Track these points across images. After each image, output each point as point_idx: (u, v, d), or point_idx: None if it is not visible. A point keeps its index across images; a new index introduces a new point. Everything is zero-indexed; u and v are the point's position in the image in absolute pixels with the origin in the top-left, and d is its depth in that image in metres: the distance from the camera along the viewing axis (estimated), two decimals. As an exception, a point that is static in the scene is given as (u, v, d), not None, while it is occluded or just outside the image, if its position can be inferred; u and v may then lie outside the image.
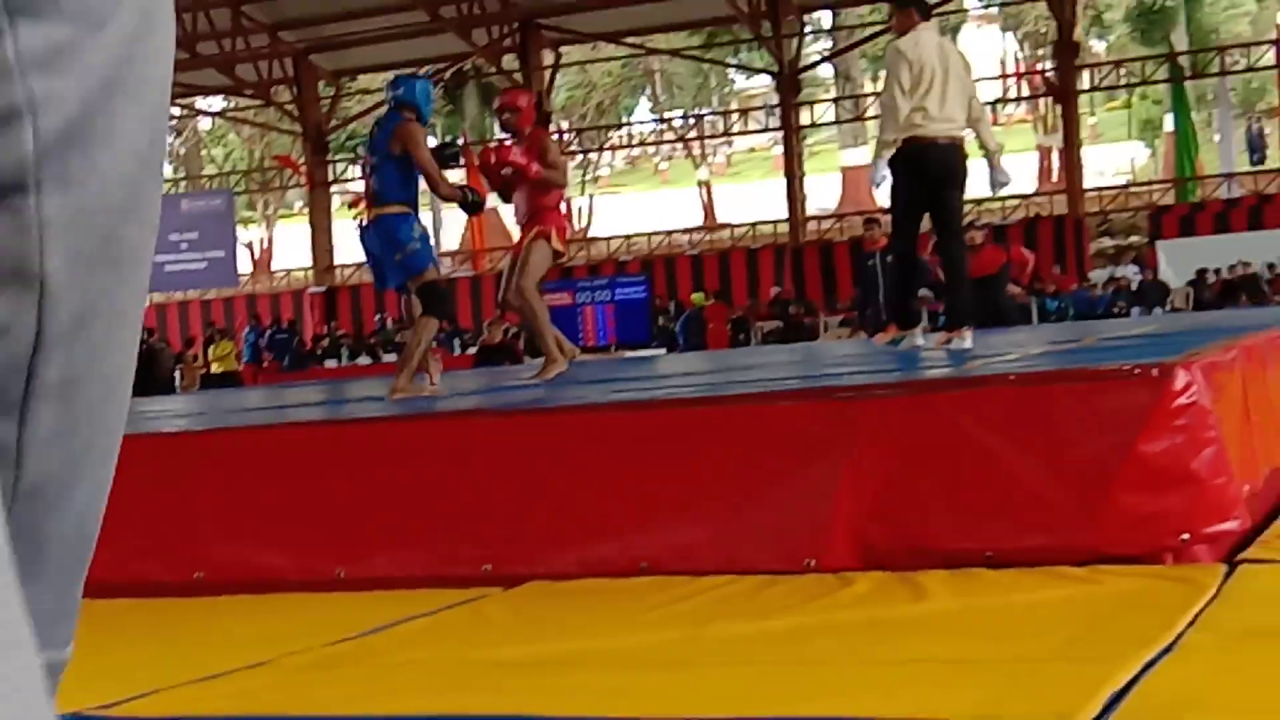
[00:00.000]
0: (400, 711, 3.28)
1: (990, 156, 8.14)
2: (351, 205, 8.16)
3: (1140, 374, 4.39)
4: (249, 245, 48.42)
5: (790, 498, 4.65)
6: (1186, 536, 4.29)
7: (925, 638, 3.67)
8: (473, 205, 8.45)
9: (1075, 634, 3.54)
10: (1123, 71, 35.92)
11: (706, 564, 4.63)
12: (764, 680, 3.34)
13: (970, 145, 8.04)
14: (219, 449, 5.56)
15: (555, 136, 36.39)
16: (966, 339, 7.57)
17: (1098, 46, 50.04)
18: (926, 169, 7.76)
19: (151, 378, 29.52)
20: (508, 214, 10.04)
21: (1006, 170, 8.19)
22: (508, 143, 8.53)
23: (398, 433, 5.39)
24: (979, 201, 31.24)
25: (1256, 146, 45.76)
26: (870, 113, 36.16)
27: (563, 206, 8.64)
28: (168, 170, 54.06)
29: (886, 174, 7.88)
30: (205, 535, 5.31)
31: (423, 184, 7.83)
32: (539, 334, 8.58)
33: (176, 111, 45.44)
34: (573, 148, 44.76)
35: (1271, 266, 26.47)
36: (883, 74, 8.43)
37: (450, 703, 3.30)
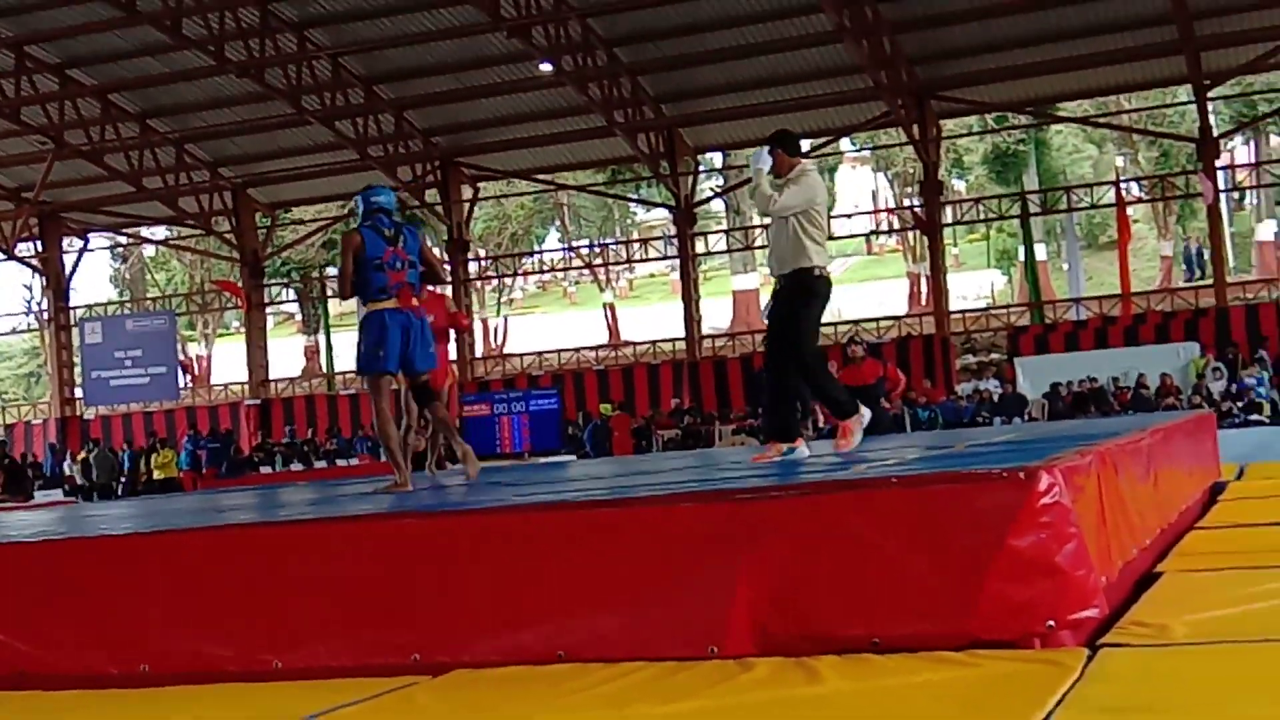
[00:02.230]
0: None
1: None
2: (396, 297, 8.15)
3: (1009, 477, 4.44)
4: (187, 361, 47.80)
5: (694, 590, 4.64)
6: (1052, 623, 4.33)
7: (822, 716, 3.67)
8: None
9: (958, 712, 3.55)
10: (981, 208, 36.71)
11: (619, 651, 4.59)
12: (675, 758, 3.32)
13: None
14: (164, 549, 5.44)
15: (473, 263, 36.35)
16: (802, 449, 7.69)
17: (959, 185, 51.08)
18: (826, 298, 7.69)
19: (97, 484, 29.01)
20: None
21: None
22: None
23: (330, 533, 5.31)
24: (858, 321, 31.68)
25: (1192, 264, 47.01)
26: (758, 242, 36.63)
27: None
28: (114, 292, 53.45)
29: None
30: (150, 629, 5.19)
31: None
32: (456, 442, 9.03)
33: (123, 240, 45.05)
34: (489, 272, 44.84)
35: (1115, 380, 26.98)
36: None
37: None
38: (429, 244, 8.33)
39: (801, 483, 5.05)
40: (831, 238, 8.20)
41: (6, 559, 5.73)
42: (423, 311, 8.28)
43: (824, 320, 8.11)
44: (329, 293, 40.33)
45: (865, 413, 7.90)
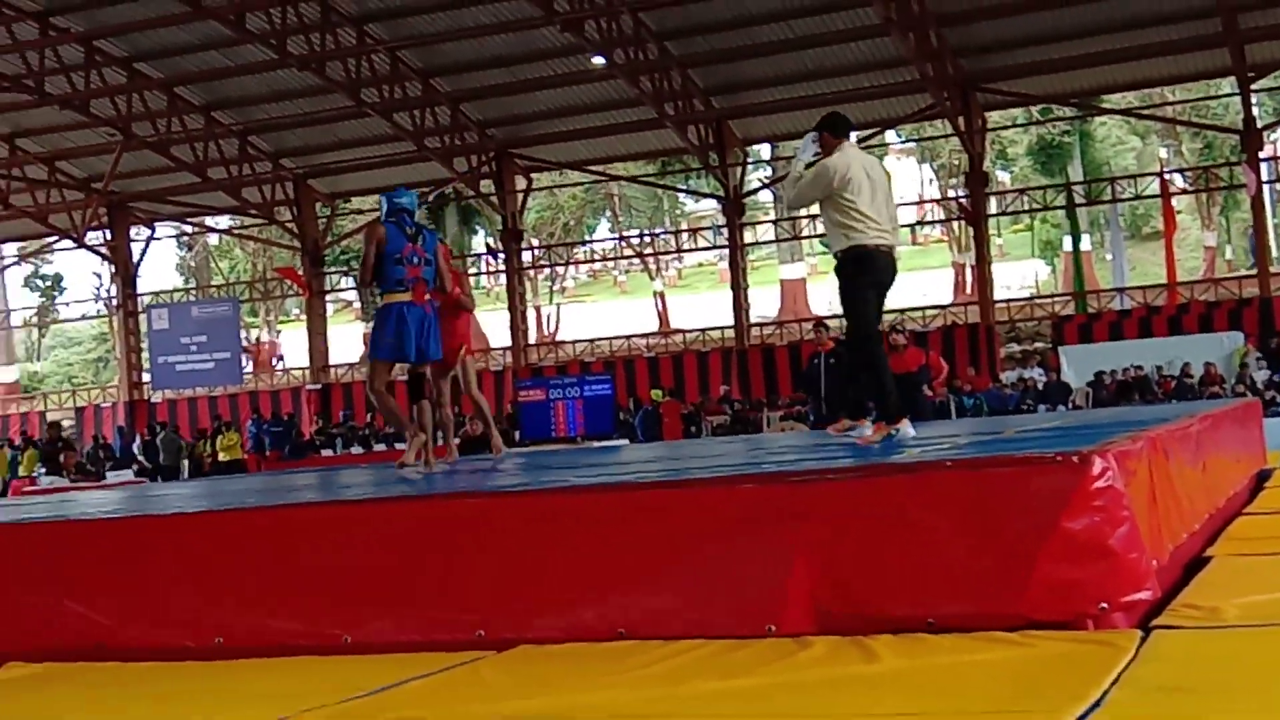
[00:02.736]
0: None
1: None
2: (412, 291, 8.64)
3: (1063, 461, 4.42)
4: (251, 347, 48.20)
5: (752, 570, 4.64)
6: (1105, 605, 4.30)
7: (878, 694, 3.66)
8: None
9: (1012, 691, 3.54)
10: (1026, 198, 36.39)
11: (678, 629, 4.60)
12: (737, 732, 3.32)
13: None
14: (237, 527, 5.50)
15: (526, 252, 36.50)
16: (905, 428, 7.46)
17: (1003, 176, 50.73)
18: (880, 273, 7.53)
19: (164, 465, 29.30)
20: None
21: None
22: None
23: (399, 511, 5.35)
24: (903, 311, 31.51)
25: (1255, 250, 46.17)
26: (806, 232, 36.50)
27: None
28: (179, 280, 53.93)
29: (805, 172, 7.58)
30: (223, 604, 5.24)
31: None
32: (490, 426, 9.95)
33: (189, 229, 45.43)
34: (542, 262, 44.93)
35: (1159, 369, 26.73)
36: None
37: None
38: (448, 252, 9.09)
39: (858, 465, 5.04)
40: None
41: (86, 535, 5.81)
42: (433, 305, 8.76)
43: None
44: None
45: (906, 428, 7.52)
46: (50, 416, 40.08)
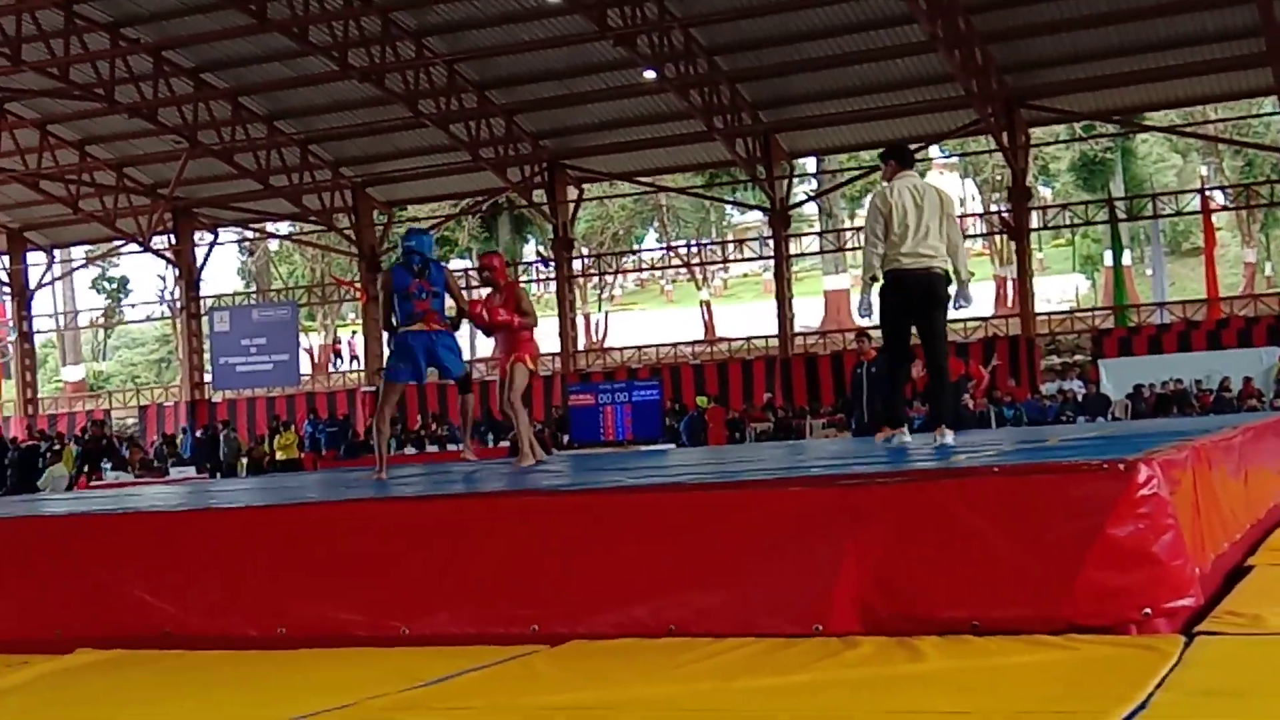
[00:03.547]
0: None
1: (959, 282, 8.26)
2: (422, 320, 9.25)
3: (1109, 468, 4.39)
4: (309, 350, 48.52)
5: (800, 570, 4.63)
6: (1149, 611, 4.27)
7: (925, 692, 3.65)
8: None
9: (1057, 692, 3.52)
10: (1068, 213, 36.12)
11: (727, 627, 4.60)
12: (788, 727, 3.32)
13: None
14: (301, 520, 5.55)
15: (576, 261, 36.60)
16: (948, 436, 7.64)
17: (1045, 192, 50.37)
18: (909, 292, 7.96)
19: (225, 463, 29.52)
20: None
21: (970, 296, 8.36)
22: (488, 294, 9.90)
23: (456, 509, 5.38)
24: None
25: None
26: (849, 244, 36.40)
27: (536, 335, 9.92)
28: (240, 284, 54.36)
29: (873, 304, 8.29)
30: (287, 595, 5.28)
31: None
32: (519, 435, 9.95)
33: (250, 234, 45.82)
34: (591, 270, 45.01)
35: (1198, 383, 26.48)
36: (860, 211, 8.77)
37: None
38: (454, 279, 9.67)
39: (906, 469, 5.02)
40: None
41: (153, 527, 5.88)
42: (447, 326, 9.38)
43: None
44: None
45: (904, 435, 8.32)
46: (115, 415, 40.53)
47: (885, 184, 8.20)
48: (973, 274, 8.74)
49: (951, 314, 8.41)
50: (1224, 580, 5.21)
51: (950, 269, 8.18)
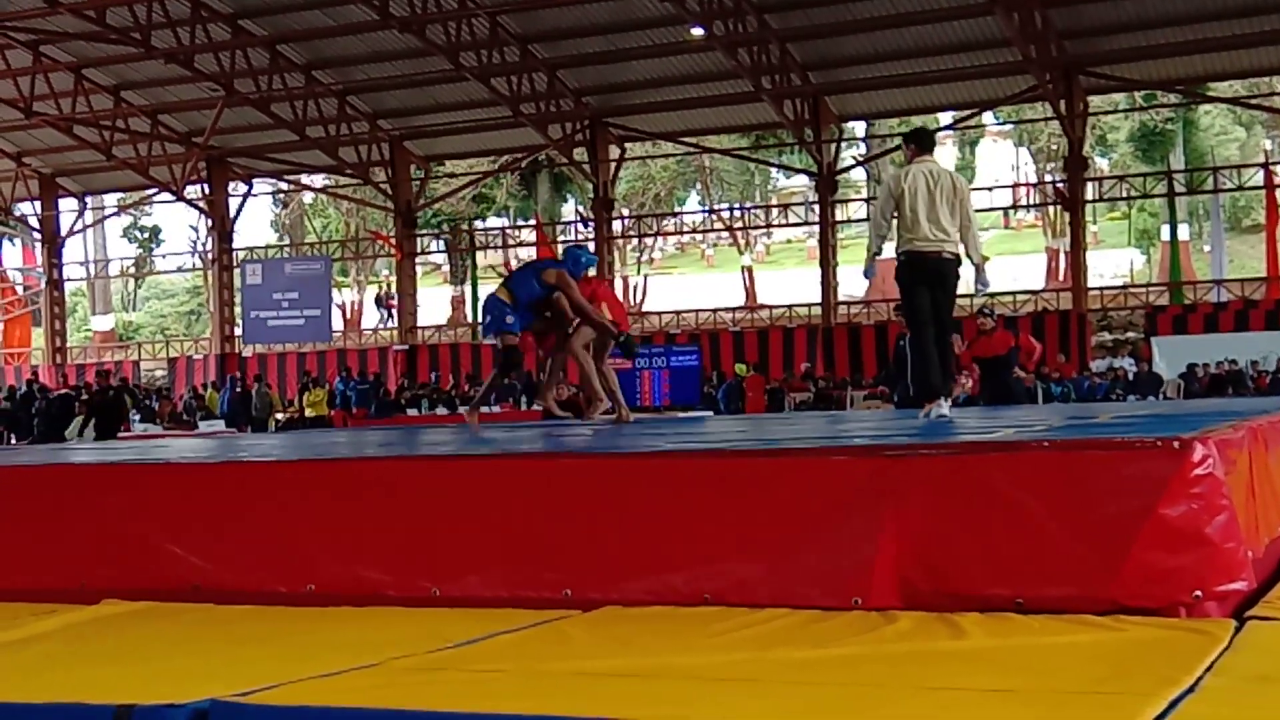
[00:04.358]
0: (497, 710, 3.26)
1: (975, 265, 8.87)
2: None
3: (1163, 446, 4.35)
4: (341, 306, 48.71)
5: (840, 541, 4.62)
6: (1199, 593, 4.25)
7: (966, 669, 3.64)
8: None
9: (1103, 673, 3.50)
10: (1125, 186, 35.81)
11: (763, 598, 4.60)
12: (824, 697, 3.32)
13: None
14: (334, 476, 5.58)
15: (616, 222, 36.55)
16: (944, 407, 8.51)
17: (1102, 162, 49.88)
18: (923, 270, 8.65)
19: (255, 418, 29.69)
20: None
21: (987, 279, 9.04)
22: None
23: (491, 469, 5.39)
24: (993, 294, 31.18)
25: None
26: (897, 212, 36.18)
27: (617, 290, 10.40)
28: (273, 236, 54.60)
29: (874, 273, 9.15)
30: (317, 552, 5.31)
31: None
32: (585, 382, 10.57)
33: (285, 186, 45.98)
34: (631, 232, 44.96)
35: (1254, 364, 26.24)
36: None
37: (539, 706, 3.28)
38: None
39: (952, 441, 5.00)
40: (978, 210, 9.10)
41: (184, 478, 5.92)
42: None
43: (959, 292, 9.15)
44: (476, 244, 40.91)
45: (942, 407, 8.61)
46: (144, 366, 40.87)
47: (901, 167, 8.80)
48: (987, 258, 9.29)
49: (1001, 286, 8.91)
50: (1277, 565, 5.18)
51: (962, 253, 8.77)
